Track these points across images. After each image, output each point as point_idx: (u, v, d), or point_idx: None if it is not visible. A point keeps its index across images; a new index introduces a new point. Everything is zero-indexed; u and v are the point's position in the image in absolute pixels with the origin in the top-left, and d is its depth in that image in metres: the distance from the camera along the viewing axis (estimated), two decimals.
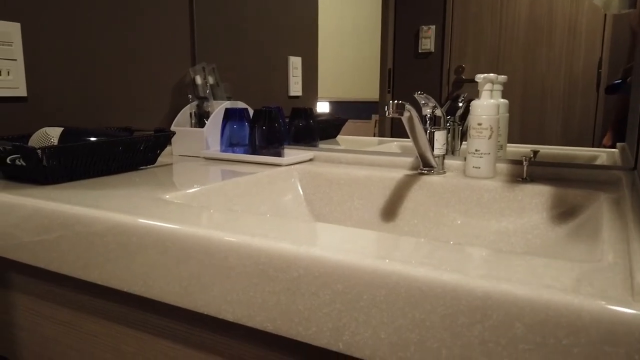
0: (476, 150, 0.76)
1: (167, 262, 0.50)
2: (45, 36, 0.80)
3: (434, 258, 0.39)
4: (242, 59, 1.17)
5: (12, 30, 0.75)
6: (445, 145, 0.81)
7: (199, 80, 1.08)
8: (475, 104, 0.76)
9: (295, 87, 1.21)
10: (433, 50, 0.99)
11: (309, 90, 1.18)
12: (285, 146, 1.03)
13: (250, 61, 1.17)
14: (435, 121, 0.80)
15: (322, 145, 1.07)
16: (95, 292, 0.60)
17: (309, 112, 1.09)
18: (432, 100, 0.79)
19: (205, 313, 0.48)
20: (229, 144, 1.01)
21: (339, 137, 1.09)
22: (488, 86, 0.75)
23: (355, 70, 1.11)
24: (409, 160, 0.87)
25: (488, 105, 0.75)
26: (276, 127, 0.95)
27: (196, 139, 1.01)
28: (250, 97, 1.15)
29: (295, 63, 1.20)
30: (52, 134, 0.71)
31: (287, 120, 1.10)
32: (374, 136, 1.07)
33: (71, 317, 0.63)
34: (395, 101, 0.66)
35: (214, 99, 1.11)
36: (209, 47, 1.18)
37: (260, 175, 0.81)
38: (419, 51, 1.00)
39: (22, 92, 0.78)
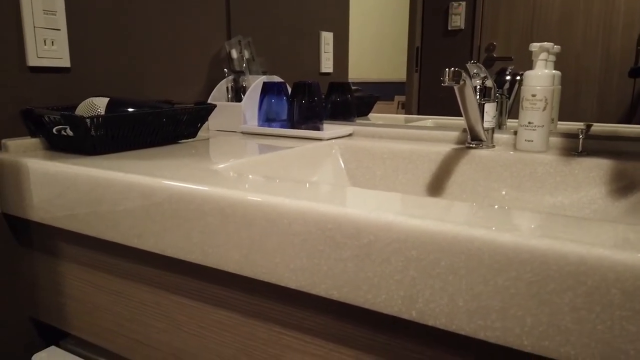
0: (529, 123, 0.73)
1: (227, 230, 0.49)
2: (87, 6, 0.79)
3: (517, 224, 0.38)
4: (274, 33, 1.15)
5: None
6: (495, 118, 0.79)
7: (234, 54, 1.07)
8: (529, 74, 0.73)
9: (327, 64, 1.19)
10: (463, 28, 0.95)
11: (339, 67, 1.16)
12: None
13: (283, 36, 1.15)
14: (485, 93, 0.77)
15: (358, 121, 1.05)
16: (148, 260, 0.60)
17: (347, 87, 1.07)
18: (484, 70, 0.76)
19: (266, 281, 0.48)
20: (266, 118, 1.00)
21: (371, 115, 1.07)
22: (543, 55, 0.72)
23: (380, 49, 1.08)
24: (454, 134, 0.85)
25: (543, 75, 0.72)
26: (316, 101, 0.94)
27: (233, 114, 1.00)
28: (281, 72, 1.14)
29: (327, 38, 1.18)
30: (99, 104, 0.71)
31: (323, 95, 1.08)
32: None
33: (122, 286, 0.63)
34: (452, 68, 0.64)
35: (250, 73, 1.09)
36: (244, 20, 1.16)
37: (303, 149, 0.80)
38: (449, 29, 0.97)
39: (65, 62, 0.77)
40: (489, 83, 0.78)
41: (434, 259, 0.38)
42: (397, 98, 1.10)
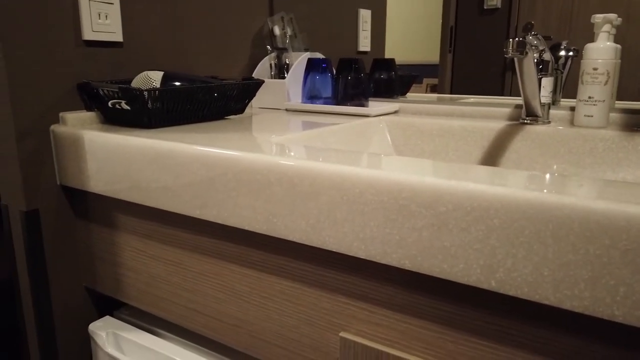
0: (589, 98, 0.71)
1: (294, 200, 0.49)
2: None
3: (608, 192, 0.36)
4: (313, 10, 1.14)
5: None
6: (551, 93, 0.76)
7: (277, 30, 1.06)
8: (590, 47, 0.71)
9: (364, 42, 1.17)
10: (499, 6, 0.92)
11: (376, 46, 1.14)
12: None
13: (322, 12, 1.14)
14: (542, 66, 0.75)
15: (409, 97, 1.03)
16: (208, 231, 0.61)
17: (391, 64, 1.05)
18: (543, 42, 0.74)
19: (334, 250, 0.48)
20: (310, 95, 0.99)
21: (408, 95, 1.05)
22: (606, 27, 0.70)
23: (409, 30, 1.06)
24: (506, 110, 0.83)
25: (605, 48, 0.70)
26: (361, 77, 0.92)
27: (277, 91, 1.00)
28: (320, 50, 1.12)
29: (365, 16, 1.16)
30: (154, 77, 0.71)
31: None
32: None
33: (181, 256, 0.64)
34: (517, 38, 0.62)
35: (292, 50, 1.08)
36: None
37: (352, 124, 0.79)
38: (485, 7, 0.94)
39: (118, 37, 0.78)
40: (547, 56, 0.75)
41: (518, 227, 0.37)
42: (426, 81, 1.08)
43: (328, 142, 0.72)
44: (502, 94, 0.94)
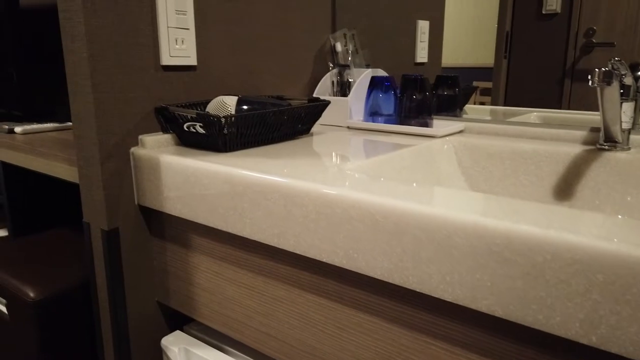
0: None
1: (376, 237, 0.49)
2: (209, 6, 0.81)
3: None
4: (373, 24, 1.13)
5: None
6: (632, 118, 0.73)
7: (339, 47, 1.06)
8: None
9: (422, 54, 1.16)
10: (559, 11, 0.88)
11: (433, 57, 1.13)
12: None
13: (380, 26, 1.13)
14: (624, 91, 0.72)
15: (465, 116, 1.01)
16: (284, 259, 0.62)
17: (455, 81, 1.03)
18: (625, 66, 0.71)
19: (418, 290, 0.48)
20: (370, 113, 0.99)
21: (467, 107, 1.03)
22: None
23: (460, 32, 1.04)
24: (580, 133, 0.80)
25: None
26: (427, 96, 0.91)
27: (339, 108, 1.00)
28: (378, 64, 1.12)
29: (423, 27, 1.14)
30: (229, 103, 0.73)
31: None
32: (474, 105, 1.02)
33: (255, 281, 0.66)
34: (603, 69, 0.59)
35: (353, 66, 1.09)
36: (347, 12, 1.15)
37: (420, 148, 0.78)
38: (543, 12, 0.90)
39: (192, 60, 0.80)
40: (629, 81, 0.72)
41: (625, 284, 0.36)
42: (477, 84, 1.05)
43: (398, 168, 0.72)
44: (560, 103, 0.90)
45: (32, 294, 0.96)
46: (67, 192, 1.50)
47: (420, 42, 1.15)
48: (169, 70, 0.78)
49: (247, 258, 0.66)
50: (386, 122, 0.97)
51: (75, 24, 0.67)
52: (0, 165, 1.35)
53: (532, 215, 0.43)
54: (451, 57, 1.07)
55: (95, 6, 0.67)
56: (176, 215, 0.70)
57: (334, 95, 1.06)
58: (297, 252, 0.57)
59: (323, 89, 1.06)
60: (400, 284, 0.49)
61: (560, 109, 0.89)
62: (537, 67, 0.93)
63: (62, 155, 1.06)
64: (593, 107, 0.85)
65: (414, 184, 0.53)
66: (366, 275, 0.54)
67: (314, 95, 1.04)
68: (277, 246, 0.59)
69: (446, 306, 0.49)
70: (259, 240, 0.60)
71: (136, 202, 0.76)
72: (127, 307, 0.78)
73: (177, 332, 0.81)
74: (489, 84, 1.01)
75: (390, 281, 0.49)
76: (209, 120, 0.69)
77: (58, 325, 0.98)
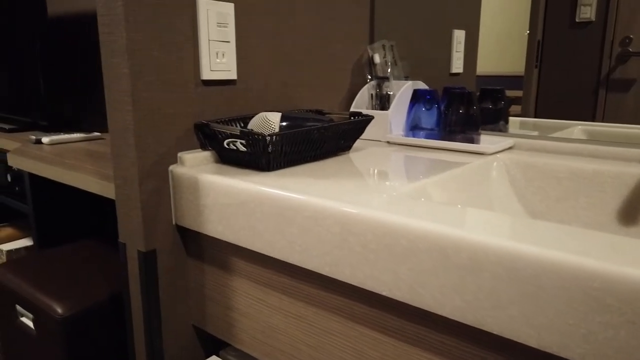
0: None
1: (447, 272, 0.45)
2: (251, 18, 0.78)
3: None
4: (409, 35, 1.09)
5: (228, 12, 0.74)
6: None
7: (377, 59, 1.02)
8: None
9: (457, 64, 1.11)
10: (594, 19, 0.85)
11: (468, 67, 1.08)
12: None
13: (417, 37, 1.09)
14: None
15: (513, 131, 0.96)
16: (336, 289, 0.58)
17: (500, 94, 0.98)
18: None
19: (495, 333, 0.43)
20: (411, 127, 0.95)
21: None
22: None
23: (491, 40, 1.00)
24: None
25: None
26: (474, 110, 0.87)
27: (379, 122, 0.96)
28: (413, 74, 1.08)
29: (459, 37, 1.10)
30: (273, 120, 0.69)
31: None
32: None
33: (304, 310, 0.62)
34: None
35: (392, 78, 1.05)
36: (385, 23, 1.11)
37: (472, 166, 0.74)
38: (576, 20, 0.87)
39: (232, 75, 0.77)
40: None
41: None
42: (507, 93, 1.01)
43: (451, 190, 0.68)
44: (594, 115, 0.87)
45: (60, 310, 0.94)
46: (93, 202, 1.48)
47: (456, 52, 1.11)
48: (209, 85, 0.75)
49: (294, 285, 0.62)
50: (427, 136, 0.92)
51: (116, 38, 0.64)
52: (27, 175, 1.34)
53: (632, 255, 0.38)
54: (480, 65, 1.03)
55: (136, 20, 0.64)
56: (217, 237, 0.67)
57: (372, 109, 1.02)
58: (353, 283, 0.53)
59: (361, 102, 1.02)
60: (474, 325, 0.44)
61: (594, 120, 0.86)
62: (570, 77, 0.90)
63: (92, 167, 1.04)
64: (630, 119, 0.81)
65: (488, 213, 0.49)
66: (433, 313, 0.49)
67: (352, 108, 1.01)
68: (330, 275, 0.55)
69: (530, 351, 0.44)
70: (308, 268, 0.57)
71: (174, 222, 0.73)
72: (162, 331, 0.74)
73: (213, 358, 0.77)
74: (518, 93, 0.98)
75: (462, 320, 0.45)
76: (253, 138, 0.65)
77: (86, 343, 0.96)
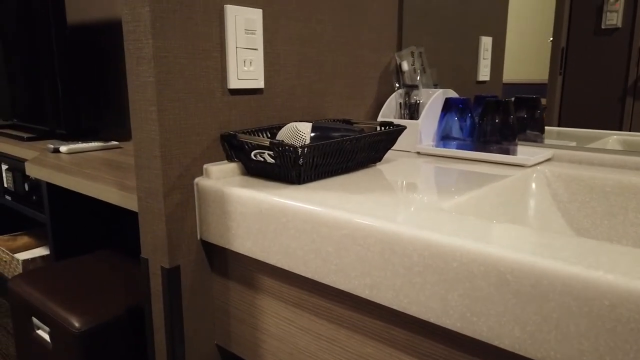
0: None
1: (506, 300, 0.41)
2: (279, 24, 0.75)
3: None
4: (436, 42, 1.06)
5: (256, 18, 0.71)
6: None
7: (405, 66, 0.99)
8: None
9: (484, 71, 1.08)
10: (620, 26, 0.82)
11: (494, 75, 1.05)
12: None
13: (444, 44, 1.06)
14: None
15: (548, 141, 0.92)
16: (374, 312, 0.54)
17: (536, 103, 0.94)
18: None
19: None
20: (442, 137, 0.91)
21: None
22: None
23: (513, 47, 0.98)
24: None
25: None
26: (511, 119, 0.83)
27: (409, 132, 0.93)
28: (440, 82, 1.05)
29: (486, 44, 1.07)
30: (303, 130, 0.66)
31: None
32: None
33: (336, 333, 0.58)
34: None
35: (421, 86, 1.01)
36: (413, 30, 1.08)
37: (512, 179, 0.70)
38: (602, 27, 0.84)
39: (260, 83, 0.74)
40: None
41: None
42: None
43: (494, 204, 0.64)
44: (620, 123, 0.83)
45: (77, 324, 0.92)
46: (110, 212, 1.46)
47: (483, 59, 1.08)
48: (236, 94, 0.72)
49: (327, 307, 0.58)
50: (459, 147, 0.88)
51: (142, 45, 0.61)
52: (44, 184, 1.33)
53: None
54: (505, 73, 1.01)
55: (163, 27, 0.61)
56: (244, 253, 0.63)
57: (400, 118, 0.98)
58: (395, 307, 0.49)
59: (388, 111, 0.98)
60: (535, 358, 0.40)
61: (621, 129, 0.83)
62: (595, 85, 0.87)
63: (111, 178, 1.02)
64: None
65: (554, 235, 0.44)
66: (488, 343, 0.45)
67: (379, 118, 0.97)
68: (369, 298, 0.51)
69: None
70: (345, 289, 0.53)
71: (199, 237, 0.70)
72: (185, 350, 0.71)
73: None
74: (542, 101, 0.94)
75: (522, 353, 0.41)
76: (284, 150, 0.62)
77: (103, 357, 0.93)
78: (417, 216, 0.50)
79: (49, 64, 1.56)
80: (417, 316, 0.47)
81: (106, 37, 1.76)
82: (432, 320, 0.46)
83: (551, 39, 0.92)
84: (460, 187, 0.63)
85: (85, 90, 1.94)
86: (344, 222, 0.51)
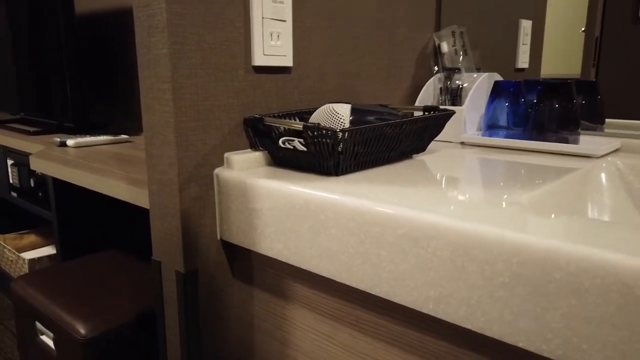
0: None
1: (629, 322, 0.31)
2: None
3: None
4: (477, 22, 0.96)
5: None
6: None
7: (445, 47, 0.89)
8: None
9: (523, 58, 0.98)
10: None
11: (533, 62, 0.95)
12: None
13: (482, 26, 0.96)
14: None
15: (609, 130, 0.82)
16: (435, 329, 0.44)
17: (594, 88, 0.84)
18: None
19: None
20: (489, 125, 0.81)
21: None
22: None
23: (548, 40, 0.91)
24: None
25: None
26: (573, 104, 0.72)
27: (451, 120, 0.82)
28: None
29: (526, 28, 0.97)
30: (342, 113, 0.56)
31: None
32: None
33: (385, 354, 0.48)
34: None
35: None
36: (452, 8, 0.98)
37: (583, 173, 0.59)
38: (639, 15, 0.78)
39: (288, 60, 0.64)
40: None
41: None
42: None
43: (568, 199, 0.53)
44: None
45: (82, 331, 0.84)
46: (120, 208, 1.38)
47: (523, 44, 0.98)
48: (261, 72, 0.62)
49: (374, 322, 0.49)
50: (509, 136, 0.78)
51: (154, 11, 0.52)
52: (50, 180, 1.25)
53: None
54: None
55: None
56: (273, 257, 0.54)
57: (439, 104, 0.88)
58: (468, 326, 0.39)
59: (426, 97, 0.88)
60: None
61: None
62: (631, 77, 0.81)
63: (121, 172, 0.93)
64: None
65: None
66: None
67: (417, 103, 0.87)
68: (433, 314, 0.41)
69: None
70: (401, 302, 0.43)
71: (218, 237, 0.60)
72: None
73: None
74: None
75: None
76: (320, 135, 0.52)
77: None
78: (493, 213, 0.40)
79: (57, 55, 1.48)
80: (500, 339, 0.37)
81: (116, 28, 1.67)
82: (521, 345, 0.36)
83: (583, 29, 0.86)
84: (528, 180, 0.53)
85: (95, 82, 1.86)
86: (401, 219, 0.42)
